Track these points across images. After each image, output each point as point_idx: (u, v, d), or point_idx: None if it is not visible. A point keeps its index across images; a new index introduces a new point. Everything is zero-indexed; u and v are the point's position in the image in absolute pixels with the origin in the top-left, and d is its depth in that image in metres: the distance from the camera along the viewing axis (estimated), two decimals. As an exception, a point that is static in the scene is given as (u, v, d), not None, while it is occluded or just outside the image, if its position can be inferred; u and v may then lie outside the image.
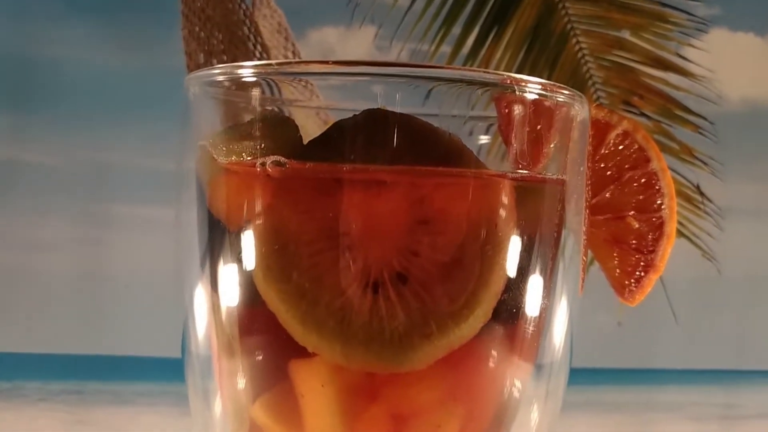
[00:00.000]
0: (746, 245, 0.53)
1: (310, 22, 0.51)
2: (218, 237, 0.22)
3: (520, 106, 0.22)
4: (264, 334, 0.22)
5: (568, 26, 0.53)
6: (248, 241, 0.21)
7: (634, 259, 0.30)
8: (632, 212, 0.29)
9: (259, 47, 0.50)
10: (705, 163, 0.53)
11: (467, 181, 0.22)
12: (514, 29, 0.53)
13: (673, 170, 0.55)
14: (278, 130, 0.22)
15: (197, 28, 0.48)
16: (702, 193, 0.54)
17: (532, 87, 0.22)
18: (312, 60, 0.23)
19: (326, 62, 0.22)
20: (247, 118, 0.21)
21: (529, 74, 0.61)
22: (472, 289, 0.21)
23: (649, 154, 0.29)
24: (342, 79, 0.30)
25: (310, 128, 0.60)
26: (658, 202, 0.29)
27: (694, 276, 0.53)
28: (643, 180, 0.29)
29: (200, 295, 0.23)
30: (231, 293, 0.22)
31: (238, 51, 0.49)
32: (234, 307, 0.22)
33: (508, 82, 0.22)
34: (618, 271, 0.30)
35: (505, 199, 0.21)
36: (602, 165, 0.29)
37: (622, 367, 0.52)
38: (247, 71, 0.21)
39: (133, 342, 0.49)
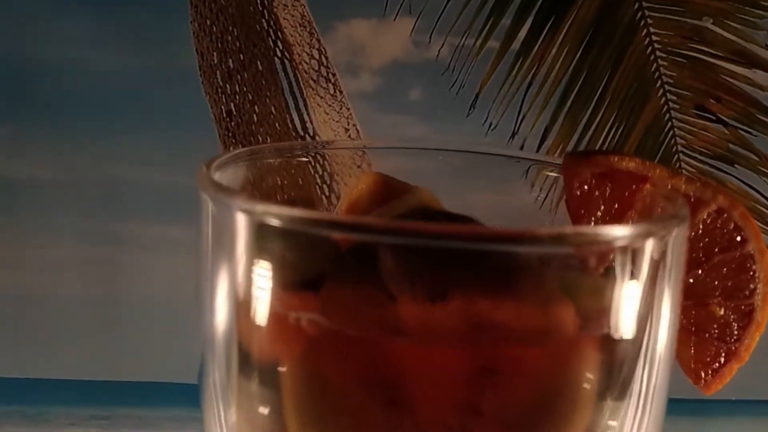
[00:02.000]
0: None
1: (337, 13, 0.47)
2: (245, 367, 0.20)
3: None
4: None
5: (639, 14, 0.48)
6: (280, 382, 0.19)
7: (714, 348, 0.28)
8: (718, 299, 0.27)
9: (279, 44, 0.46)
10: (787, 177, 0.49)
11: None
12: (574, 20, 0.48)
13: (747, 185, 0.51)
14: (313, 264, 0.19)
15: (209, 22, 0.44)
16: (780, 211, 0.50)
17: (622, 237, 0.19)
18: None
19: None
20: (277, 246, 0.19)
21: (587, 75, 0.57)
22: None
23: (747, 233, 0.26)
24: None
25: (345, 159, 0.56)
26: (751, 287, 0.27)
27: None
28: (735, 264, 0.26)
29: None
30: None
31: (256, 49, 0.46)
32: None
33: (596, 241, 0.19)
34: (693, 361, 0.28)
35: (592, 350, 0.19)
36: (688, 246, 0.26)
37: (670, 397, 0.50)
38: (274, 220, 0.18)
39: (157, 368, 0.49)
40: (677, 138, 0.50)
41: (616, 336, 0.19)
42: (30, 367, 0.50)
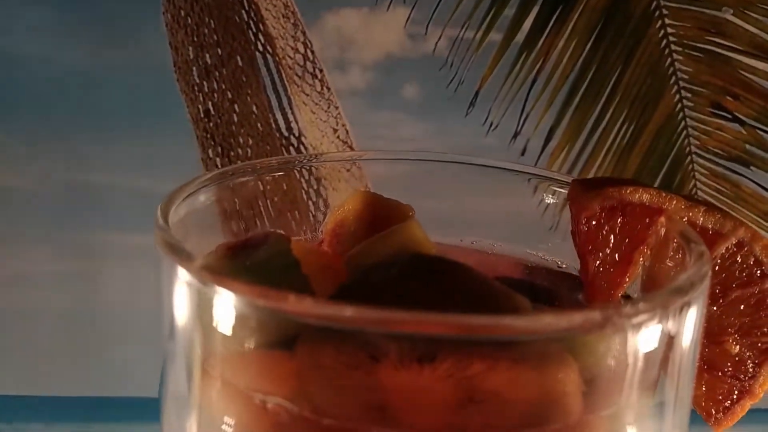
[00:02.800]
0: None
1: (324, 2, 0.45)
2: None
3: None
4: None
5: (653, 5, 0.46)
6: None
7: (726, 386, 0.26)
8: (733, 336, 0.25)
9: (261, 37, 0.44)
10: (805, 180, 0.48)
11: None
12: (582, 10, 0.46)
13: (764, 188, 0.50)
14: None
15: (183, 13, 0.42)
16: (796, 217, 0.48)
17: (637, 316, 0.17)
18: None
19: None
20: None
21: (596, 70, 0.55)
22: None
23: (767, 269, 0.25)
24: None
25: (326, 147, 0.54)
26: (772, 324, 0.25)
27: None
28: (753, 300, 0.25)
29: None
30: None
31: (235, 43, 0.43)
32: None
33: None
34: (705, 400, 0.27)
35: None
36: (704, 283, 0.24)
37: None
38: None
39: (136, 383, 0.48)
40: (691, 138, 0.48)
41: (626, 419, 0.17)
42: (5, 384, 0.49)
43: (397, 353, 0.18)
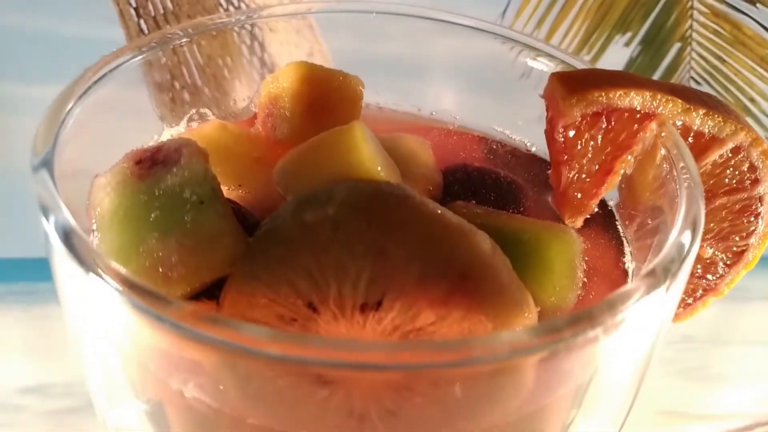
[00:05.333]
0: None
1: None
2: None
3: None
4: None
5: None
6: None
7: (692, 285, 0.27)
8: (709, 241, 0.25)
9: None
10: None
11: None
12: None
13: (766, 28, 0.46)
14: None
15: None
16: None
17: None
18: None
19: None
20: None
21: None
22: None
23: (761, 174, 0.23)
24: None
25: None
26: (751, 229, 0.25)
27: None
28: (739, 206, 0.24)
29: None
30: None
31: None
32: None
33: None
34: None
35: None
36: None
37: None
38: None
39: None
40: (696, -31, 0.44)
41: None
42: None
43: (338, 301, 0.17)
